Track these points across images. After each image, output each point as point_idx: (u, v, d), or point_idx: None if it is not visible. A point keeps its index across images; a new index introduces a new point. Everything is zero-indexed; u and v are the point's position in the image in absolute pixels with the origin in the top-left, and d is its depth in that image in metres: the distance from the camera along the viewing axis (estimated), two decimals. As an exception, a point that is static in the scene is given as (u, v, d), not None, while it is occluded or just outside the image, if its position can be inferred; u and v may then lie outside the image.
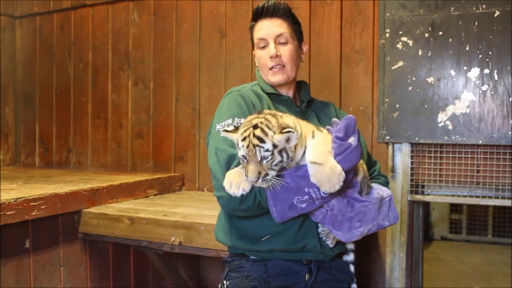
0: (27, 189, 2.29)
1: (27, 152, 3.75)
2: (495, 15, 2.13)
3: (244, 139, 1.23)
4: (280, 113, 1.34)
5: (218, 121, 1.48)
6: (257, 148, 1.20)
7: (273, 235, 1.44)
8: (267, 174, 1.22)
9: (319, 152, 1.24)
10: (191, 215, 2.24)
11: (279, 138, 1.21)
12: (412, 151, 2.34)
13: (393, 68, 2.31)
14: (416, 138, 2.27)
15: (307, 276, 1.49)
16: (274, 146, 1.21)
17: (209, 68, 3.01)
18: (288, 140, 1.22)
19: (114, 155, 3.35)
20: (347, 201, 1.32)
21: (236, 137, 1.27)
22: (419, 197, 2.34)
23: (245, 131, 1.24)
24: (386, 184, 1.58)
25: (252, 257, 1.49)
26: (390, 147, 2.38)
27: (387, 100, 2.33)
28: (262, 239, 1.44)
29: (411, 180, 2.34)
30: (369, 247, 2.52)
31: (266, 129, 1.22)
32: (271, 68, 1.57)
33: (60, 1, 3.54)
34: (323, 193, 1.25)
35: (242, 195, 1.28)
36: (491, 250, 5.78)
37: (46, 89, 3.65)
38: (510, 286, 4.38)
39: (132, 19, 3.27)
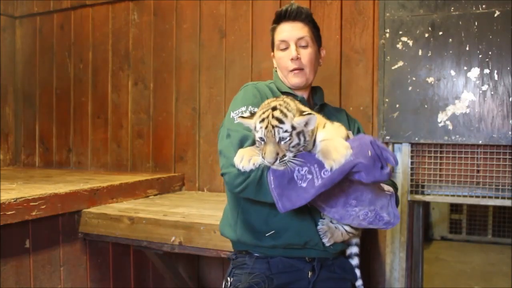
0: (27, 189, 2.29)
1: (27, 152, 3.75)
2: (495, 15, 2.13)
3: (262, 121, 1.24)
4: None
5: (232, 109, 1.51)
6: (276, 129, 1.22)
7: (277, 231, 1.45)
8: (284, 156, 1.23)
9: (330, 133, 1.27)
10: (191, 215, 2.24)
11: (299, 121, 1.23)
12: (412, 151, 2.34)
13: (393, 68, 2.31)
14: (416, 138, 2.27)
15: (310, 273, 1.49)
16: (293, 128, 1.23)
17: (209, 68, 3.01)
18: (307, 123, 1.24)
19: (114, 155, 3.35)
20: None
21: (253, 121, 1.28)
22: (419, 197, 2.34)
23: (263, 113, 1.26)
24: (393, 187, 1.57)
25: (255, 254, 1.50)
26: (390, 147, 2.38)
27: (387, 100, 2.33)
28: (266, 235, 1.45)
29: (411, 180, 2.35)
30: (369, 247, 2.52)
31: (285, 110, 1.25)
32: (291, 71, 1.59)
33: (60, 1, 3.54)
34: (325, 170, 1.23)
35: (251, 170, 1.29)
36: (491, 250, 5.78)
37: (46, 89, 3.65)
38: (510, 286, 4.38)
39: (132, 19, 3.27)
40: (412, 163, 2.34)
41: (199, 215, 2.23)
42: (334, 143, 1.24)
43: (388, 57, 2.32)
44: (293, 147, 1.24)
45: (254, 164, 1.28)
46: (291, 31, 1.58)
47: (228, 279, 1.54)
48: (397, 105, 2.30)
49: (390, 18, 2.31)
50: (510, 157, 2.17)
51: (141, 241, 2.26)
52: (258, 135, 1.25)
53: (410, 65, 2.28)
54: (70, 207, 2.32)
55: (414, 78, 2.27)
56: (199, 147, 3.04)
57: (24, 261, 2.15)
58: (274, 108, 1.25)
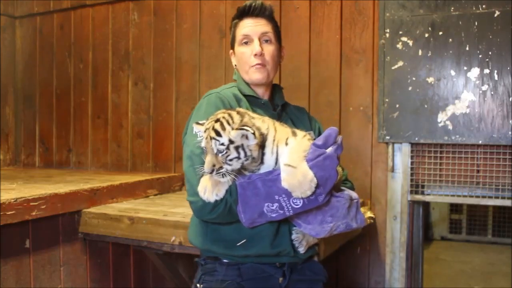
0: (27, 189, 2.29)
1: (27, 152, 3.75)
2: (495, 15, 2.13)
3: (205, 131, 1.27)
4: (255, 115, 1.35)
5: (195, 120, 1.46)
6: (213, 141, 1.23)
7: (249, 240, 1.42)
8: (221, 167, 1.23)
9: (295, 156, 1.24)
10: (191, 215, 2.23)
11: (234, 135, 1.23)
12: (412, 151, 2.34)
13: (393, 68, 2.31)
14: (416, 138, 2.27)
15: (281, 279, 1.48)
16: (231, 141, 1.22)
17: (209, 68, 3.01)
18: (245, 138, 1.23)
19: (114, 155, 3.35)
20: None
21: (203, 128, 1.30)
22: (419, 197, 2.34)
23: (208, 123, 1.28)
24: (352, 189, 1.58)
25: (225, 260, 1.48)
26: (390, 147, 2.38)
27: (387, 100, 2.33)
28: (237, 244, 1.43)
29: (411, 180, 2.35)
30: (368, 247, 2.52)
31: (225, 124, 1.25)
32: (253, 66, 1.56)
33: (60, 1, 3.54)
34: (294, 202, 1.24)
35: (216, 200, 1.29)
36: (491, 250, 5.78)
37: (46, 89, 3.65)
38: (510, 286, 4.38)
39: (132, 19, 3.27)
40: (412, 163, 2.34)
41: (199, 215, 2.23)
42: (298, 177, 1.21)
43: (388, 57, 2.32)
44: (230, 160, 1.23)
45: (217, 195, 1.28)
46: (255, 26, 1.56)
47: (198, 285, 1.51)
48: (397, 105, 2.30)
49: (390, 18, 2.31)
50: (510, 157, 2.17)
51: (141, 241, 2.26)
52: (202, 144, 1.27)
53: (410, 65, 2.28)
54: (70, 207, 2.32)
55: (414, 78, 2.27)
56: (199, 147, 3.03)
57: (24, 261, 2.15)
58: (217, 120, 1.26)
